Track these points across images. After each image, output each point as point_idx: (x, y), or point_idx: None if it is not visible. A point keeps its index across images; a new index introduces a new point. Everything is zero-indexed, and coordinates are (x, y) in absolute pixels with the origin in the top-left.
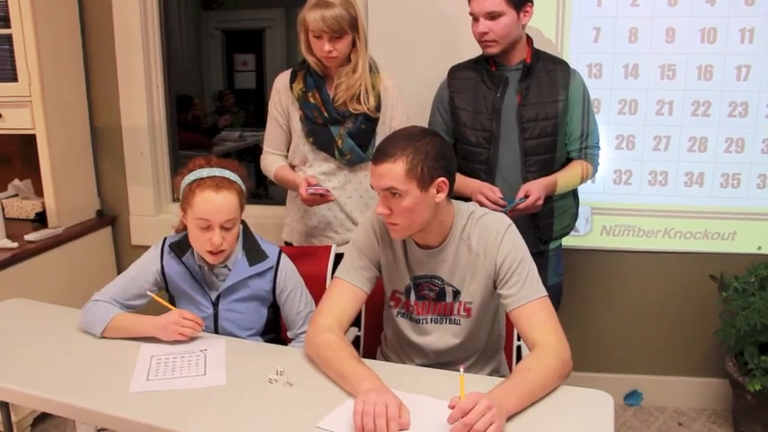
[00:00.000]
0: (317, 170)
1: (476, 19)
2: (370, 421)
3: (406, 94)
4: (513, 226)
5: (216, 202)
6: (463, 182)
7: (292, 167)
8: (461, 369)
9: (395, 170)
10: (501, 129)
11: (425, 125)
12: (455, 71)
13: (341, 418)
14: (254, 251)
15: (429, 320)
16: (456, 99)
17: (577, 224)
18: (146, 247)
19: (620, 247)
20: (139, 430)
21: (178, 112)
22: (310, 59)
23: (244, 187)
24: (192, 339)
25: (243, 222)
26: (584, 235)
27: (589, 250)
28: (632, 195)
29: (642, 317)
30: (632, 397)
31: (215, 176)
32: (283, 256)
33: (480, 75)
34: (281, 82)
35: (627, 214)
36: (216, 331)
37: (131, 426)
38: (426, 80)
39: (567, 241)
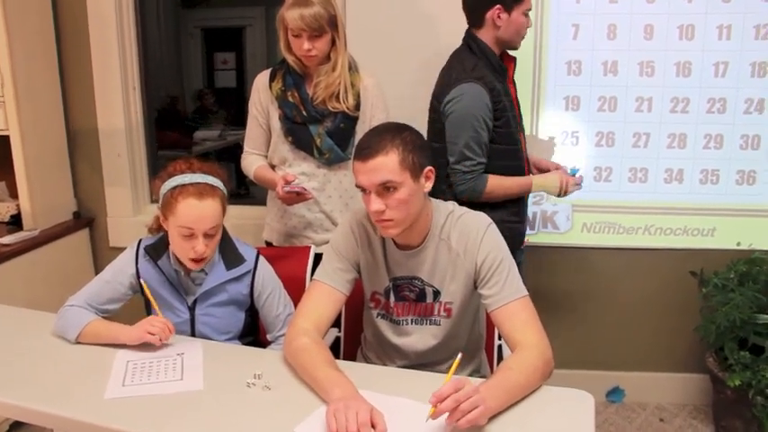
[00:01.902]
0: (296, 170)
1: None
2: (343, 430)
3: (387, 93)
4: (494, 225)
5: (200, 210)
6: (523, 181)
7: (272, 167)
8: (460, 355)
9: (389, 163)
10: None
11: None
12: (485, 76)
13: (316, 424)
14: (231, 254)
15: (409, 321)
16: (503, 104)
17: (558, 221)
18: (124, 249)
19: (601, 245)
20: None
21: (165, 114)
22: (290, 58)
23: (226, 191)
24: (164, 345)
25: None
26: (565, 232)
27: (569, 248)
28: (612, 192)
29: (623, 313)
30: (614, 394)
31: (198, 183)
32: (261, 259)
33: (496, 74)
34: (261, 81)
35: (607, 211)
36: (192, 336)
37: None
38: (406, 79)
39: (548, 239)
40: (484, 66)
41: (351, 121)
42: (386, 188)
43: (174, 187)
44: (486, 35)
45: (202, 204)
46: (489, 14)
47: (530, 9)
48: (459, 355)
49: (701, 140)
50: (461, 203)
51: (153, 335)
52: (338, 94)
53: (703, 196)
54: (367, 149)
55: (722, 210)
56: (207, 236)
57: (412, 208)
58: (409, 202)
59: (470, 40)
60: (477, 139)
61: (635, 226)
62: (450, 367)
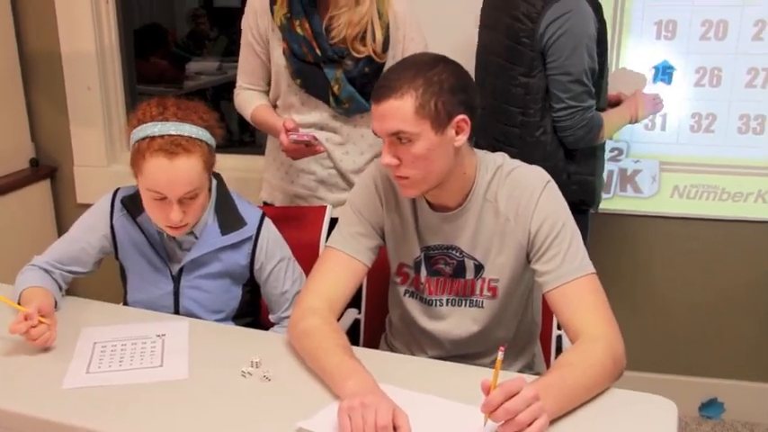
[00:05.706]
0: (305, 119)
1: None
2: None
3: (424, 21)
4: (553, 183)
5: (171, 172)
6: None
7: (275, 108)
8: (501, 350)
9: (402, 108)
10: None
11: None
12: None
13: (325, 424)
14: (228, 216)
15: (444, 302)
16: (600, 26)
17: (641, 182)
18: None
19: (697, 214)
20: None
21: (149, 47)
22: None
23: (212, 141)
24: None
25: (217, 176)
26: (650, 197)
27: (655, 217)
28: (715, 146)
29: (725, 304)
30: (710, 407)
31: (170, 135)
32: (266, 222)
33: None
34: (259, 0)
35: (707, 171)
36: (176, 314)
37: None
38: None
39: (627, 204)
40: None
41: (378, 64)
42: (399, 139)
43: (143, 139)
44: None
45: (174, 165)
46: None
47: None
48: (501, 352)
49: None
50: (568, 153)
51: (33, 338)
52: (364, 34)
53: None
54: (381, 88)
55: None
56: (184, 201)
57: (434, 165)
58: (428, 158)
59: None
60: (591, 67)
61: (744, 191)
62: (495, 366)
